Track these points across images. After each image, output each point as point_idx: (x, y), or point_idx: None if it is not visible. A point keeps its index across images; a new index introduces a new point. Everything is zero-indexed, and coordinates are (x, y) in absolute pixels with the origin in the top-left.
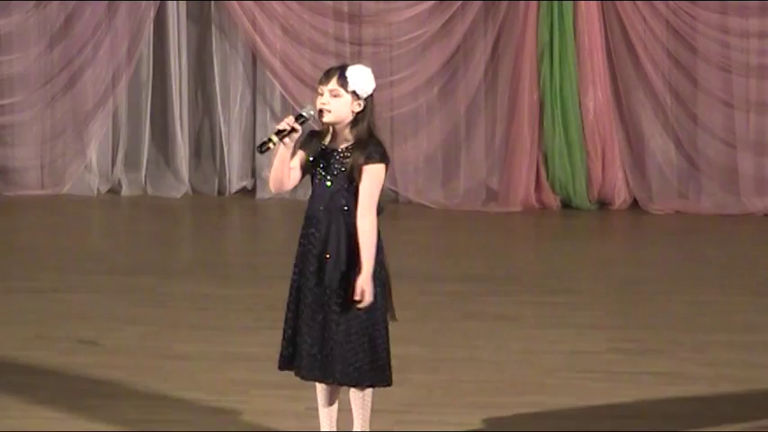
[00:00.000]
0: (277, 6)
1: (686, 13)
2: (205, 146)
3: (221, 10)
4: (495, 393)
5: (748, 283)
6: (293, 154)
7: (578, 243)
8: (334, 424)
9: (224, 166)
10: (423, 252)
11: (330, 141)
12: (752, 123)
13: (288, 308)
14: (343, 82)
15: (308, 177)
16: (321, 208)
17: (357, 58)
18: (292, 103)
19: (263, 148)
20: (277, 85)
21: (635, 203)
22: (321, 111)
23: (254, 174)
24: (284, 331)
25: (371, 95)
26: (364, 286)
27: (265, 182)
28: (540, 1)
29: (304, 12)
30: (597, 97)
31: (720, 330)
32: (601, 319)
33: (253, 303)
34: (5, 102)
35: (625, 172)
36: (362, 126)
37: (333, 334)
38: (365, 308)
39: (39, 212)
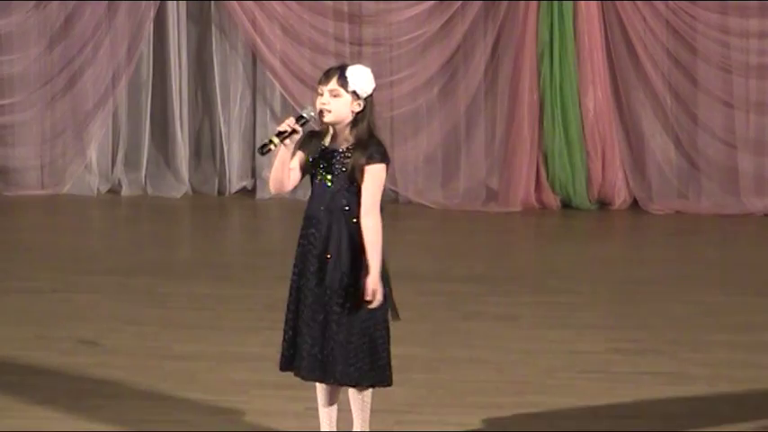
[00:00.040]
0: (277, 6)
1: (686, 13)
2: (205, 146)
3: (221, 10)
4: (495, 393)
5: (748, 283)
6: (293, 155)
7: (578, 243)
8: (334, 424)
9: (224, 166)
10: (423, 252)
11: (330, 142)
12: (752, 123)
13: (288, 308)
14: (344, 82)
15: (307, 178)
16: (322, 208)
17: (357, 58)
18: (292, 103)
19: (264, 149)
20: (277, 85)
21: (635, 203)
22: (321, 111)
23: (254, 174)
24: (285, 332)
25: (371, 95)
26: (375, 286)
27: (265, 182)
28: (540, 1)
29: (304, 12)
30: (597, 97)
31: (720, 330)
32: (601, 319)
33: (253, 303)
34: (5, 102)
35: (625, 172)
36: (363, 126)
37: (333, 334)
38: (366, 308)
39: (39, 212)
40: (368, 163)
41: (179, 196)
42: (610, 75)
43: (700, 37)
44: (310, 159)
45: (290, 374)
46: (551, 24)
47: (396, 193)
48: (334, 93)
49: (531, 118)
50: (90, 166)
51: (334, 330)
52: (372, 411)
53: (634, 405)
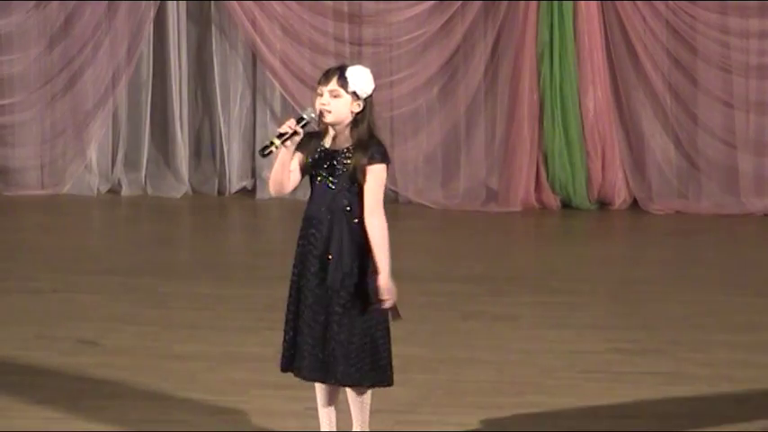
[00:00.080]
0: (277, 6)
1: (686, 13)
2: (205, 146)
3: (221, 10)
4: (494, 393)
5: (748, 283)
6: (292, 156)
7: (578, 243)
8: (334, 424)
9: (224, 166)
10: (423, 252)
11: (330, 142)
12: (752, 123)
13: (288, 309)
14: (344, 82)
15: (306, 179)
16: (323, 209)
17: (357, 58)
18: (292, 103)
19: (266, 151)
20: (277, 85)
21: (635, 203)
22: (321, 112)
23: (254, 174)
24: (285, 333)
25: (371, 96)
26: (388, 285)
27: (265, 182)
28: (540, 1)
29: (304, 12)
30: (597, 97)
31: (720, 330)
32: (600, 319)
33: (253, 303)
34: (5, 102)
35: (625, 172)
36: (363, 127)
37: (334, 334)
38: (369, 309)
39: (39, 212)
40: (369, 163)
41: (179, 196)
42: (610, 75)
43: (700, 37)
44: (310, 160)
45: (290, 374)
46: (551, 24)
47: (396, 193)
48: (334, 93)
49: (531, 118)
50: (90, 166)
51: (336, 331)
52: (372, 411)
53: (634, 405)
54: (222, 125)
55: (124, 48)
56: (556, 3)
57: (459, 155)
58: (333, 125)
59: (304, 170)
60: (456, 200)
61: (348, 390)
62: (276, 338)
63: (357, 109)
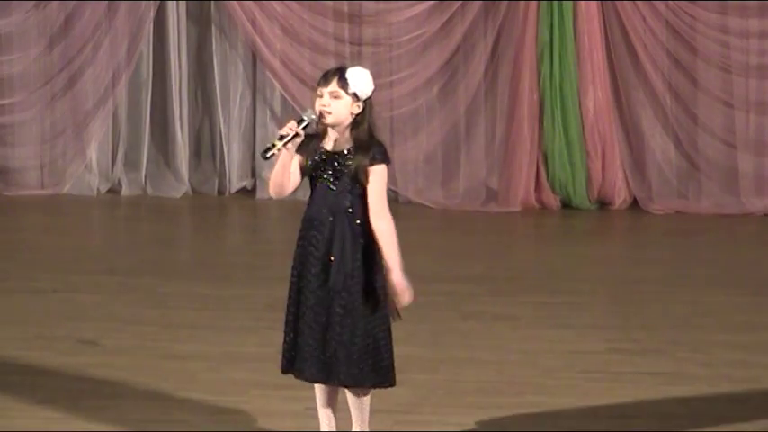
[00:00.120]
0: (277, 6)
1: (686, 13)
2: (205, 146)
3: (221, 10)
4: (495, 393)
5: (748, 283)
6: (292, 158)
7: (578, 243)
8: (334, 424)
9: (224, 166)
10: (422, 252)
11: (329, 144)
12: (752, 123)
13: (288, 310)
14: (344, 84)
15: (306, 180)
16: (324, 210)
17: (357, 59)
18: (292, 103)
19: (268, 154)
20: (277, 85)
21: (635, 203)
22: (321, 113)
23: (254, 174)
24: (286, 334)
25: (370, 97)
26: (403, 285)
27: (265, 182)
28: (540, 1)
29: (304, 12)
30: (597, 97)
31: (720, 330)
32: (600, 319)
33: (252, 303)
34: (5, 102)
35: (625, 172)
36: (363, 128)
37: (336, 336)
38: (370, 310)
39: (39, 212)
40: (371, 164)
41: (179, 196)
42: (610, 75)
43: (700, 37)
44: (310, 162)
45: (290, 375)
46: (551, 24)
47: (396, 193)
48: (334, 94)
49: (531, 118)
50: (90, 166)
51: (338, 332)
52: (372, 411)
53: (634, 405)
54: (222, 125)
55: (124, 48)
56: (556, 3)
57: (459, 155)
58: (333, 126)
59: (304, 172)
60: (456, 200)
61: (348, 390)
62: (276, 338)
63: (357, 110)
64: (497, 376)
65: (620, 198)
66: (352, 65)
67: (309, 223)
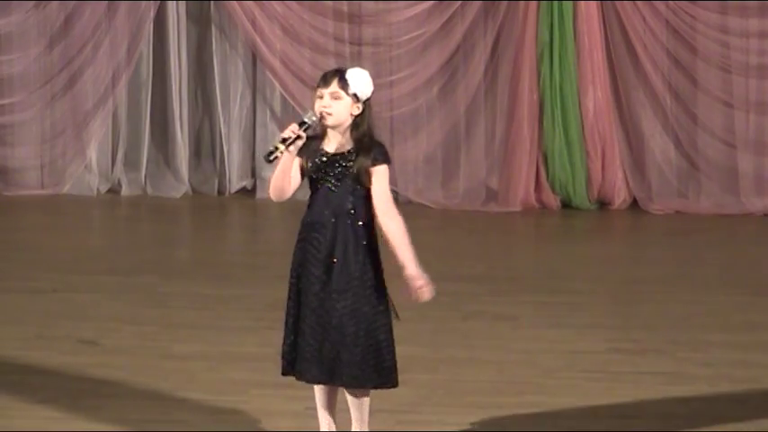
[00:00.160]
0: (277, 6)
1: (686, 13)
2: (205, 146)
3: (221, 10)
4: (495, 393)
5: (748, 283)
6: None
7: (578, 243)
8: (334, 424)
9: (224, 166)
10: (423, 252)
11: (329, 146)
12: (752, 123)
13: (288, 313)
14: (344, 84)
15: (305, 182)
16: (326, 212)
17: (357, 58)
18: (292, 103)
19: (271, 157)
20: (277, 85)
21: (635, 203)
22: (322, 114)
23: (253, 174)
24: (286, 336)
25: (369, 98)
26: (421, 279)
27: (265, 182)
28: (540, 1)
29: (304, 12)
30: (597, 97)
31: (720, 330)
32: (600, 319)
33: (253, 303)
34: (5, 102)
35: (625, 172)
36: (362, 129)
37: (339, 337)
38: (372, 311)
39: (39, 212)
40: (373, 165)
41: (179, 196)
42: (610, 75)
43: (700, 37)
44: (310, 164)
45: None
46: (551, 24)
47: (396, 193)
48: (335, 95)
49: (531, 118)
50: (90, 166)
51: (340, 333)
52: (372, 411)
53: (634, 405)
54: (222, 125)
55: (124, 47)
56: (556, 3)
57: (459, 155)
58: (333, 128)
59: (304, 173)
60: (456, 200)
61: (348, 390)
62: (276, 338)
63: (357, 111)
64: (497, 376)
65: (619, 198)
66: (352, 65)
67: (311, 226)
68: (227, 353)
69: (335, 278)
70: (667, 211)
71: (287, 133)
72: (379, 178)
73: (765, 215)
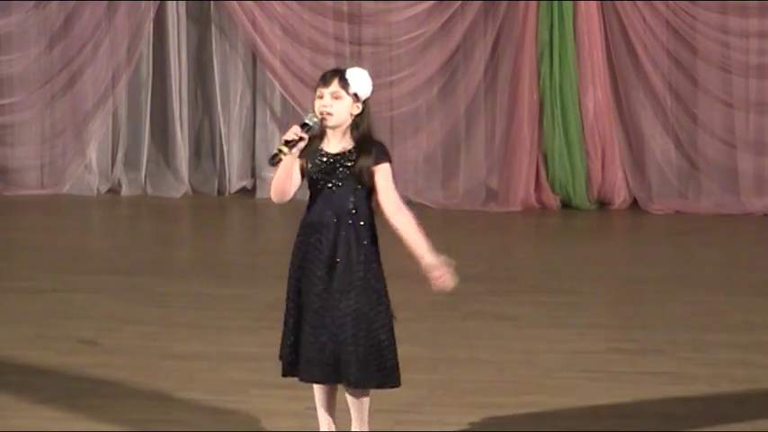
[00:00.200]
0: (277, 6)
1: (686, 13)
2: (205, 146)
3: (221, 10)
4: (495, 393)
5: (748, 283)
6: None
7: (578, 243)
8: (333, 424)
9: (224, 166)
10: None
11: (329, 146)
12: (752, 123)
13: (288, 314)
14: (345, 84)
15: (305, 182)
16: (328, 213)
17: (357, 58)
18: (292, 103)
19: (275, 160)
20: (277, 85)
21: (635, 203)
22: (323, 114)
23: (253, 174)
24: (286, 338)
25: (369, 98)
26: (440, 265)
27: (265, 182)
28: (540, 1)
29: (304, 12)
30: (597, 97)
31: (720, 330)
32: (601, 318)
33: (253, 303)
34: (5, 102)
35: (625, 172)
36: (362, 129)
37: (341, 337)
38: (374, 311)
39: (39, 212)
40: (375, 164)
41: (179, 196)
42: (610, 75)
43: (700, 37)
44: (310, 165)
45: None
46: (551, 24)
47: None
48: (335, 95)
49: (531, 118)
50: (90, 166)
51: (342, 333)
52: (372, 411)
53: (634, 405)
54: (222, 125)
55: (124, 47)
56: (556, 3)
57: (459, 155)
58: (334, 128)
59: (304, 174)
60: (456, 200)
61: (348, 390)
62: (276, 338)
63: (357, 111)
64: (497, 376)
65: (619, 198)
66: (352, 65)
67: (312, 227)
68: (227, 353)
69: (338, 278)
70: (667, 211)
71: (289, 135)
72: (384, 176)
73: (765, 215)
